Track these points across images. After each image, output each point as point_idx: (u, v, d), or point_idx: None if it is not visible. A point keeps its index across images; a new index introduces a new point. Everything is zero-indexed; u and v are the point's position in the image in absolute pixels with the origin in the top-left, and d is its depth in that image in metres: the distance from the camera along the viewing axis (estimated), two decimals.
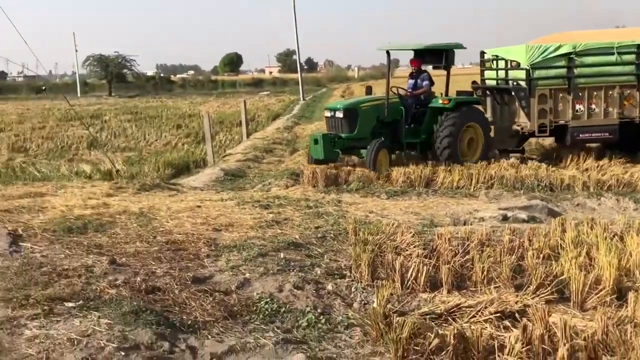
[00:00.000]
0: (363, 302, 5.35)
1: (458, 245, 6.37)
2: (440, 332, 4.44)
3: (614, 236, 6.56)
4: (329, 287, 5.58)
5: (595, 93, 12.38)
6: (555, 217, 7.74)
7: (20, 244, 6.31)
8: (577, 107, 12.37)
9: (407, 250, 6.32)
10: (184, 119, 27.89)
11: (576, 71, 12.34)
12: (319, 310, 5.04)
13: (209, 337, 4.36)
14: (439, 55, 12.61)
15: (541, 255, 5.97)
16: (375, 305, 4.96)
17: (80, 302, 4.59)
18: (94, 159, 16.05)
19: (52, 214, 7.84)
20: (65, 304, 4.54)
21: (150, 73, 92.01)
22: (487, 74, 14.57)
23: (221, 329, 4.51)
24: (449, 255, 6.09)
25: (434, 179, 10.69)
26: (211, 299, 4.99)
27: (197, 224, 7.44)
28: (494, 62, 13.88)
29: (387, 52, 12.51)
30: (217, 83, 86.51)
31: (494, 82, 14.10)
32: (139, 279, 5.24)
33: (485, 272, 5.67)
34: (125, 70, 73.00)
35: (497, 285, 5.55)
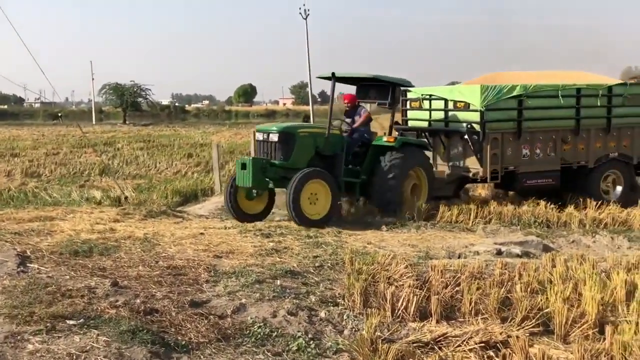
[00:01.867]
0: (354, 329, 5.51)
1: (450, 277, 6.55)
2: (424, 359, 4.63)
3: (601, 272, 6.73)
4: (322, 314, 5.76)
5: (540, 137, 11.98)
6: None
7: (28, 264, 6.56)
8: (524, 151, 11.86)
9: (399, 280, 6.51)
10: (196, 148, 28.25)
11: (525, 114, 11.83)
12: (309, 336, 5.22)
13: (202, 357, 4.56)
14: (385, 91, 11.39)
15: (529, 289, 6.13)
16: (363, 332, 5.17)
17: (81, 320, 4.81)
18: (104, 186, 16.35)
19: (60, 237, 8.14)
20: (67, 321, 4.76)
21: (165, 102, 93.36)
22: (414, 114, 13.26)
23: (214, 350, 4.71)
24: (439, 287, 6.27)
25: (434, 213, 10.88)
26: (206, 321, 5.19)
27: (199, 250, 7.69)
28: (424, 101, 12.78)
29: (333, 75, 10.89)
30: (231, 113, 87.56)
31: (423, 124, 12.92)
32: (138, 300, 5.46)
33: (473, 304, 5.83)
34: (140, 99, 73.94)
35: (485, 316, 5.71)
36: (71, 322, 4.76)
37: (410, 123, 13.26)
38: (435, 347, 5.17)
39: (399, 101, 11.89)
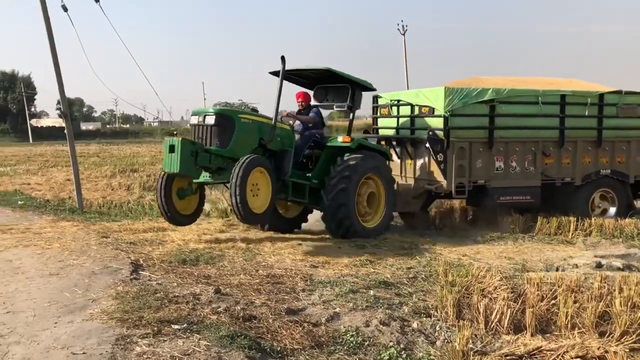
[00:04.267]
0: (446, 340, 5.39)
1: (547, 290, 6.29)
2: None
3: None
4: (414, 325, 5.68)
5: (517, 148, 10.53)
6: None
7: (140, 272, 6.90)
8: (497, 164, 10.44)
9: (494, 293, 6.30)
10: None
11: (498, 121, 10.42)
12: (401, 346, 5.16)
13: None
14: (344, 93, 10.05)
15: (629, 303, 5.77)
16: (455, 344, 5.05)
17: (185, 325, 5.00)
18: (214, 198, 16.93)
19: (170, 246, 8.51)
20: (173, 326, 4.96)
21: None
22: (384, 122, 12.11)
23: (307, 356, 4.76)
24: (535, 300, 6.03)
25: (532, 225, 10.46)
26: (301, 329, 5.24)
27: (297, 260, 7.81)
28: (393, 108, 11.62)
29: (282, 59, 8.98)
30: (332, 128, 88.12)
31: (391, 132, 11.64)
32: (238, 307, 5.60)
33: (570, 318, 5.58)
34: None
35: (582, 330, 5.45)
36: (176, 326, 4.95)
37: (380, 131, 12.01)
38: None
39: (359, 106, 10.22)
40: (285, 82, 9.36)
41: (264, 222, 9.41)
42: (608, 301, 5.90)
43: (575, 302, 5.80)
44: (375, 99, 12.17)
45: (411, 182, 11.06)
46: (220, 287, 6.32)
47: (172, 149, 8.33)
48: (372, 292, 6.40)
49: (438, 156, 10.19)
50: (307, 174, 9.68)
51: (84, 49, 14.81)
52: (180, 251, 8.13)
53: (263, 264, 7.59)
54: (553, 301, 6.00)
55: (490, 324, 5.66)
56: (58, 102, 14.41)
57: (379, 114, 12.21)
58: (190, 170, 8.49)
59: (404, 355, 4.99)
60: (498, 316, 5.68)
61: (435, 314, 5.95)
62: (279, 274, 7.03)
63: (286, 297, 6.19)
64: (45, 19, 12.87)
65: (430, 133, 10.20)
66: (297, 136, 9.78)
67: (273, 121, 8.98)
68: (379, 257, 8.19)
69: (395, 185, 10.24)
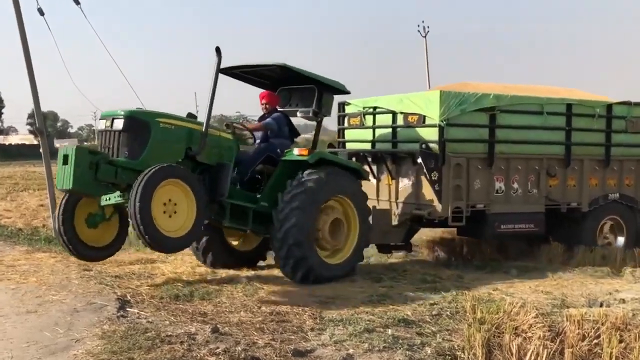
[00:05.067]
0: None
1: (589, 328, 6.41)
2: None
3: None
4: None
5: (519, 166, 10.21)
6: None
7: (128, 309, 7.08)
8: (497, 185, 10.05)
9: (528, 332, 6.43)
10: None
11: (499, 134, 10.07)
12: None
13: None
14: (311, 96, 9.34)
15: None
16: None
17: None
18: None
19: (161, 280, 8.72)
20: None
21: None
22: (353, 134, 11.56)
23: None
24: (575, 339, 6.16)
25: (573, 255, 10.58)
26: None
27: (304, 295, 7.98)
28: (367, 117, 11.01)
29: (217, 50, 8.13)
30: None
31: (365, 146, 11.05)
32: (239, 348, 5.76)
33: (614, 359, 5.70)
34: None
35: None
36: None
37: (349, 146, 11.46)
38: None
39: (328, 112, 9.54)
40: (244, 84, 9.28)
41: (185, 247, 8.34)
42: None
43: (621, 341, 5.92)
44: (342, 106, 11.60)
45: (392, 206, 10.44)
46: (218, 325, 6.46)
47: (65, 160, 7.51)
48: (390, 332, 6.51)
49: (432, 174, 9.62)
50: (255, 195, 8.99)
51: (61, 56, 15.05)
52: (172, 286, 8.30)
53: (266, 299, 7.75)
54: (596, 340, 6.12)
55: None
56: (29, 117, 14.72)
57: (346, 124, 11.64)
58: (88, 187, 7.65)
59: None
60: (533, 357, 5.81)
61: (462, 355, 6.07)
62: (285, 311, 7.18)
63: (293, 336, 6.32)
64: (18, 22, 13.21)
65: (424, 146, 9.66)
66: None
67: (205, 127, 8.20)
68: (398, 291, 8.35)
69: (370, 211, 9.47)
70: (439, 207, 9.61)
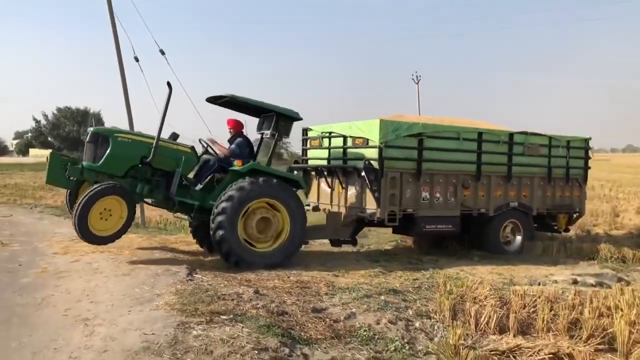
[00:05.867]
0: (442, 337, 5.67)
1: (529, 300, 6.55)
2: None
3: None
4: (417, 324, 5.97)
5: (440, 180, 10.05)
6: None
7: (194, 275, 7.30)
8: (424, 194, 9.92)
9: (484, 301, 6.59)
10: None
11: (425, 154, 9.88)
12: (405, 340, 5.47)
13: (318, 349, 4.96)
14: (269, 120, 9.02)
15: (597, 312, 6.01)
16: (449, 340, 5.36)
17: (231, 316, 5.37)
18: None
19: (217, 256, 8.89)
20: (221, 316, 5.33)
21: None
22: (313, 152, 11.24)
23: (328, 344, 5.10)
24: (518, 306, 6.31)
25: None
26: (323, 323, 5.59)
27: (321, 270, 8.16)
28: (324, 139, 10.76)
29: (168, 84, 8.14)
30: None
31: (322, 162, 10.77)
32: (273, 305, 5.96)
33: (546, 322, 5.84)
34: None
35: (555, 333, 5.70)
36: (224, 317, 5.33)
37: (311, 162, 11.14)
38: (510, 356, 5.25)
39: (287, 134, 9.16)
40: (222, 108, 9.04)
41: (107, 243, 7.97)
42: (579, 311, 6.14)
43: (551, 310, 6.06)
44: (305, 131, 11.37)
45: (342, 210, 10.15)
46: (258, 288, 6.67)
47: (47, 159, 8.29)
48: (382, 297, 6.68)
49: (373, 185, 9.45)
50: (208, 191, 8.72)
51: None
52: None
53: (293, 272, 7.95)
54: (533, 309, 6.26)
55: (479, 325, 5.93)
56: None
57: (309, 145, 11.35)
58: (59, 180, 8.25)
59: (407, 348, 5.30)
60: (486, 319, 5.95)
61: (435, 316, 6.22)
62: (307, 281, 7.37)
63: (312, 298, 6.51)
64: (119, 66, 13.62)
65: (367, 162, 9.46)
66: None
67: (155, 141, 8.15)
68: (390, 269, 8.50)
69: (305, 214, 8.90)
70: (377, 211, 9.46)
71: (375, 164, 9.44)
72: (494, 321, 5.92)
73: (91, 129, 8.36)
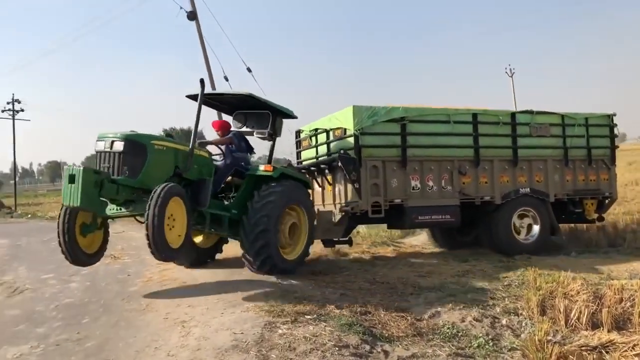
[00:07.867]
0: (530, 334, 5.54)
1: (627, 295, 6.22)
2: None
3: None
4: (503, 321, 5.89)
5: (432, 167, 9.23)
6: None
7: (284, 281, 7.56)
8: (413, 183, 9.14)
9: (575, 296, 6.34)
10: None
11: (410, 140, 9.11)
12: (490, 337, 5.43)
13: (399, 346, 5.05)
14: (265, 119, 8.47)
15: None
16: (535, 336, 5.23)
17: (315, 316, 5.58)
18: None
19: (309, 258, 9.08)
20: (306, 316, 5.56)
21: None
22: (305, 154, 10.57)
23: (409, 342, 5.17)
24: (612, 301, 6.02)
25: (621, 241, 10.06)
26: (406, 322, 5.66)
27: (408, 271, 8.19)
28: (312, 138, 10.13)
29: (201, 82, 7.43)
30: None
31: (313, 161, 10.08)
32: (357, 305, 6.11)
33: None
34: None
35: None
36: (308, 316, 5.55)
37: (305, 163, 10.44)
38: (603, 351, 5.05)
39: (280, 133, 8.70)
40: (205, 107, 8.29)
41: (179, 257, 7.37)
42: None
43: None
44: (298, 133, 10.85)
45: (332, 208, 9.57)
46: (344, 290, 6.87)
47: (72, 179, 6.45)
48: (469, 296, 6.63)
49: (351, 175, 8.77)
50: (226, 203, 8.00)
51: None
52: (312, 265, 8.76)
53: (380, 274, 8.05)
54: (630, 304, 5.95)
55: (570, 321, 5.74)
56: None
57: (301, 147, 10.81)
58: (93, 204, 6.62)
59: (491, 344, 5.25)
60: (577, 314, 5.76)
61: (523, 313, 6.11)
62: (392, 282, 7.45)
63: (397, 298, 6.60)
64: (211, 86, 14.48)
65: (342, 152, 8.84)
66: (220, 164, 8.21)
67: (190, 148, 7.26)
68: (479, 268, 8.37)
69: (316, 214, 8.70)
70: (360, 202, 8.84)
71: (351, 153, 8.84)
72: (585, 316, 5.73)
73: (119, 134, 6.79)
